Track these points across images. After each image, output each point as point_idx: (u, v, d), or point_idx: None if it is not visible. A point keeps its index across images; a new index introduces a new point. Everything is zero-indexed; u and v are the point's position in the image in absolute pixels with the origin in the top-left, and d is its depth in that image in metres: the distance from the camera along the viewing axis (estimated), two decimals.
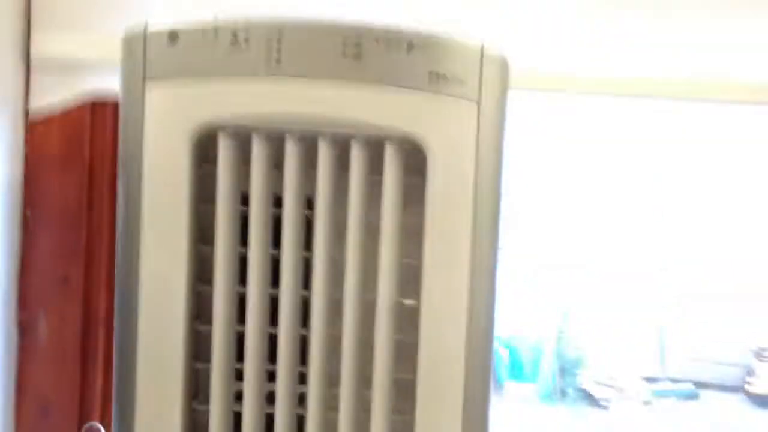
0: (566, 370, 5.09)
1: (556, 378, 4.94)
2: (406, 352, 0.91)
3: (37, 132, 1.46)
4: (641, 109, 1.47)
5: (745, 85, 1.40)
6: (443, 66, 0.84)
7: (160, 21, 0.85)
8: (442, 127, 0.85)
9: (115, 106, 1.46)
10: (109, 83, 1.43)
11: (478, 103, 0.85)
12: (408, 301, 0.91)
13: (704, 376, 5.28)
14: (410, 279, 0.91)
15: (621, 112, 1.49)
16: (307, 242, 0.92)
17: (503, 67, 0.86)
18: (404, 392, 0.91)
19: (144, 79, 0.86)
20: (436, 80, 0.84)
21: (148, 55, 0.86)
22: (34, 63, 1.43)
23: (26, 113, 1.45)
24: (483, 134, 0.86)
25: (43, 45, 1.42)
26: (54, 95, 1.44)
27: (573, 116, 1.49)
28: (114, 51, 1.33)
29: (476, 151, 0.86)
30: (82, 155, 1.47)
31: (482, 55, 0.85)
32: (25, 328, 1.49)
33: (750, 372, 5.06)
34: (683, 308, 5.17)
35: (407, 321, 0.91)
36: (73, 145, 1.47)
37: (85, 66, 1.43)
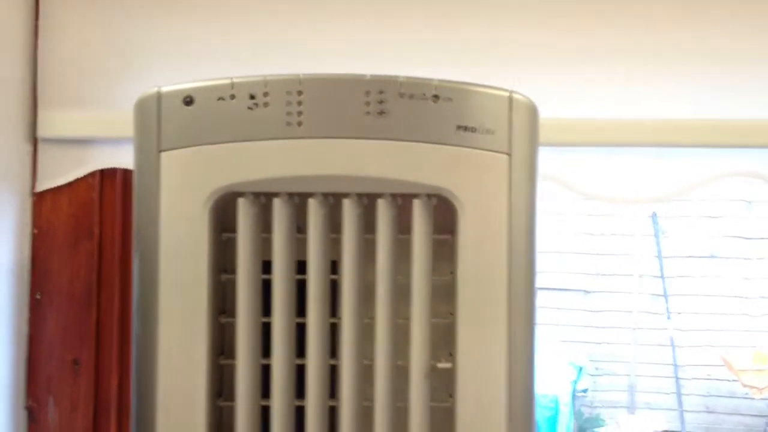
0: (584, 428, 4.98)
1: None
2: (442, 418, 0.86)
3: (45, 203, 1.43)
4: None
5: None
6: (471, 118, 0.81)
7: (175, 85, 0.82)
8: (473, 182, 0.82)
9: (124, 174, 1.44)
10: (117, 157, 1.40)
11: (509, 155, 0.82)
12: (442, 364, 0.85)
13: (724, 427, 5.17)
14: (442, 340, 0.87)
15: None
16: (332, 307, 0.88)
17: (533, 114, 0.83)
18: None
19: (159, 145, 0.83)
20: (465, 133, 0.81)
21: (162, 120, 0.82)
22: (40, 141, 1.41)
23: (33, 190, 1.42)
24: (515, 186, 0.82)
25: (49, 123, 1.39)
26: (61, 172, 1.41)
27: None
28: (121, 126, 1.32)
29: (509, 203, 0.82)
30: (91, 227, 1.43)
31: (511, 104, 0.82)
32: (33, 414, 1.43)
33: None
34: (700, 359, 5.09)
35: (442, 384, 0.86)
36: (83, 215, 1.43)
37: (92, 141, 1.40)
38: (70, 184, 1.43)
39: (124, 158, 1.39)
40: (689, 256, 4.98)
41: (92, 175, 1.42)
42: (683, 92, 1.39)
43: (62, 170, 1.42)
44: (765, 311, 4.95)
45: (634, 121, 1.37)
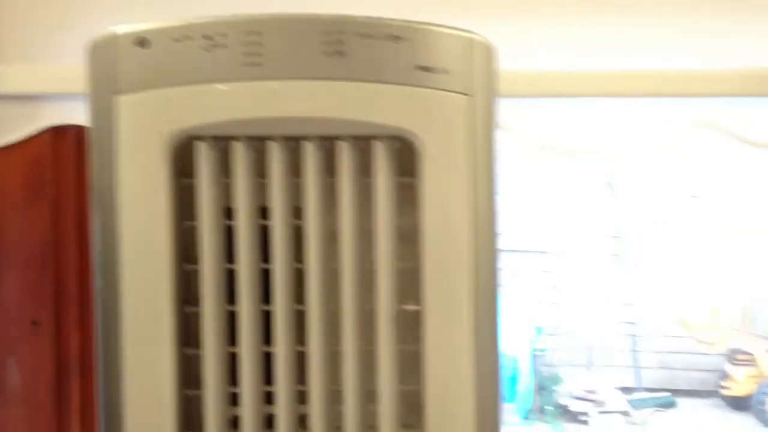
0: (543, 387, 5.08)
1: (533, 396, 4.93)
2: (410, 362, 0.87)
3: None
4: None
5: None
6: (431, 58, 0.81)
7: (129, 25, 0.80)
8: (433, 122, 0.82)
9: (77, 130, 1.41)
10: (69, 112, 1.37)
11: (469, 95, 0.82)
12: (410, 307, 0.86)
13: (679, 383, 5.31)
14: (409, 284, 0.87)
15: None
16: (297, 253, 0.87)
17: (492, 55, 0.83)
18: (411, 405, 0.86)
19: (114, 89, 0.81)
20: (424, 73, 0.80)
21: (117, 63, 0.81)
22: None
23: None
24: (475, 127, 0.82)
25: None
26: (11, 129, 1.38)
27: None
28: (72, 81, 1.29)
29: (469, 145, 0.82)
30: (44, 185, 1.40)
31: (471, 45, 0.81)
32: None
33: (724, 376, 5.11)
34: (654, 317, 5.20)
35: (410, 328, 0.86)
36: (35, 173, 1.40)
37: (42, 97, 1.37)
38: (21, 142, 1.39)
39: (76, 113, 1.36)
40: (647, 217, 5.06)
41: (44, 132, 1.39)
42: (639, 42, 1.40)
43: (12, 128, 1.38)
44: (720, 270, 5.06)
45: (591, 72, 1.38)
